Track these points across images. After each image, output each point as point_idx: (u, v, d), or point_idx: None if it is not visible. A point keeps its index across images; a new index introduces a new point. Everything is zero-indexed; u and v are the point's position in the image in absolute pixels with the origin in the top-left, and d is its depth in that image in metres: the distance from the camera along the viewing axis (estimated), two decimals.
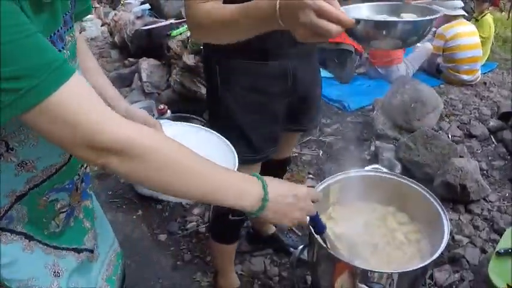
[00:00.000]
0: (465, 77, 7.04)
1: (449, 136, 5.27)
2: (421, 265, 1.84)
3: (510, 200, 4.31)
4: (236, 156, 1.73)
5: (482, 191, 4.10)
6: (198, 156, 1.23)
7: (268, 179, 1.34)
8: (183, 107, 4.60)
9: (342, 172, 2.28)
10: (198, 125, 1.93)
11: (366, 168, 2.39)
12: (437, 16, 1.42)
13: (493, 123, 5.57)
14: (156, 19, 6.59)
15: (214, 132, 1.89)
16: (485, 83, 7.30)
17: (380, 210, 2.39)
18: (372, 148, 4.57)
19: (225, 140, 1.83)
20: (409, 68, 7.11)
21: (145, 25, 6.33)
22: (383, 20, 1.42)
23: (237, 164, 1.68)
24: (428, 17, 1.40)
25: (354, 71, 6.95)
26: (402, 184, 2.31)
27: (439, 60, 7.23)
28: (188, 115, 4.28)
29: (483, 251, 3.57)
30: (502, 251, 2.70)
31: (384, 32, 1.36)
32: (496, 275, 2.57)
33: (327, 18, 1.20)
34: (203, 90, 4.41)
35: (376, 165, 2.50)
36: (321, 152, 4.61)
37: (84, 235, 1.49)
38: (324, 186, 2.19)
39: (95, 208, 1.67)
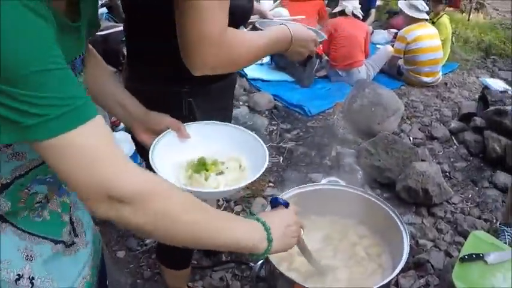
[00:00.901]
0: (426, 79, 7.13)
1: (411, 138, 5.33)
2: (380, 284, 1.85)
3: (473, 202, 4.37)
4: (266, 150, 1.76)
5: (445, 193, 4.14)
6: (210, 210, 1.26)
7: (265, 217, 1.45)
8: None
9: (297, 187, 2.28)
10: (222, 122, 1.91)
11: (322, 181, 2.39)
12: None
13: (454, 124, 5.64)
14: (116, 23, 6.39)
15: (241, 127, 1.91)
16: (446, 84, 7.40)
17: (340, 223, 2.39)
18: (333, 154, 4.57)
19: (255, 135, 1.85)
20: (370, 70, 7.16)
21: (102, 30, 6.23)
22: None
23: (267, 158, 1.72)
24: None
25: (314, 74, 6.96)
26: (360, 196, 2.32)
27: (400, 62, 7.30)
28: None
29: (448, 254, 3.60)
30: (466, 256, 2.71)
31: None
32: (460, 281, 2.58)
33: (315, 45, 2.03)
34: None
35: (333, 178, 2.50)
36: (282, 159, 4.59)
37: (62, 228, 1.45)
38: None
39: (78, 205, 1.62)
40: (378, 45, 8.42)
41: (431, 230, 3.86)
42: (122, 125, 4.29)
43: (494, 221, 4.06)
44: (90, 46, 1.62)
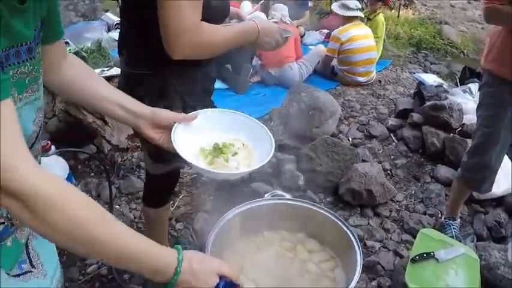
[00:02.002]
0: (361, 78, 7.23)
1: (350, 139, 5.38)
2: None
3: (417, 198, 4.43)
4: (273, 140, 1.90)
5: (389, 192, 4.19)
6: (110, 221, 1.22)
7: (187, 268, 1.32)
8: (72, 136, 4.43)
9: (240, 205, 2.23)
10: (232, 111, 2.06)
11: (266, 195, 2.36)
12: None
13: (392, 121, 5.75)
14: None
15: (249, 116, 2.05)
16: (380, 81, 7.52)
17: (289, 238, 2.35)
18: (274, 161, 4.55)
19: (262, 124, 2.00)
20: (303, 69, 7.21)
21: None
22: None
23: (273, 148, 1.86)
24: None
25: (248, 80, 6.95)
26: (304, 208, 2.29)
27: (334, 62, 7.36)
28: (75, 149, 4.13)
29: (397, 254, 3.63)
30: (417, 257, 2.73)
31: None
32: (413, 283, 2.60)
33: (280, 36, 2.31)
34: (89, 118, 4.27)
35: (276, 191, 2.47)
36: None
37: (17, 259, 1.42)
38: (224, 222, 2.13)
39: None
40: (310, 47, 8.47)
41: (378, 230, 3.89)
42: (53, 149, 4.17)
43: (440, 215, 4.13)
44: (72, 55, 1.73)
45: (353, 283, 1.80)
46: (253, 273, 2.09)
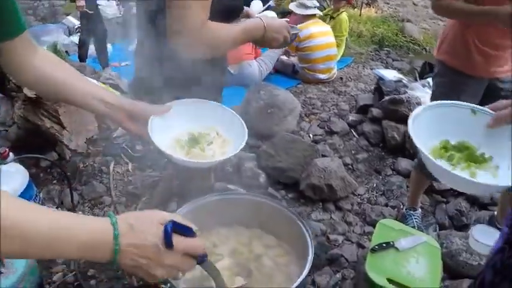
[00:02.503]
0: (322, 75, 7.28)
1: (311, 136, 5.41)
2: None
3: (378, 190, 4.48)
4: (245, 127, 2.03)
5: (350, 186, 4.22)
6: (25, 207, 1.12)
7: (125, 228, 1.20)
8: (34, 144, 4.38)
9: (191, 201, 2.23)
10: (205, 100, 2.14)
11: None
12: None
13: (353, 117, 5.80)
14: None
15: (222, 105, 2.19)
16: (342, 78, 7.58)
17: (245, 233, 2.35)
18: (234, 159, 4.55)
19: (234, 112, 2.13)
20: (262, 67, 7.24)
21: None
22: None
23: (246, 135, 1.99)
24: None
25: None
26: (260, 202, 2.30)
27: (295, 60, 7.39)
28: (34, 155, 4.09)
29: (360, 245, 3.67)
30: (377, 246, 2.75)
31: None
32: (373, 272, 2.62)
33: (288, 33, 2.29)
34: (47, 124, 4.22)
35: (231, 186, 2.49)
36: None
37: None
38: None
39: None
40: None
41: (341, 224, 3.92)
42: (11, 155, 4.12)
43: (402, 206, 4.18)
44: (51, 53, 1.80)
45: (302, 276, 1.82)
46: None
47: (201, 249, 1.32)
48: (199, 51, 2.07)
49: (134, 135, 1.90)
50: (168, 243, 1.21)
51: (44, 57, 1.70)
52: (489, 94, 3.21)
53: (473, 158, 1.76)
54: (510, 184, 1.58)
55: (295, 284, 1.78)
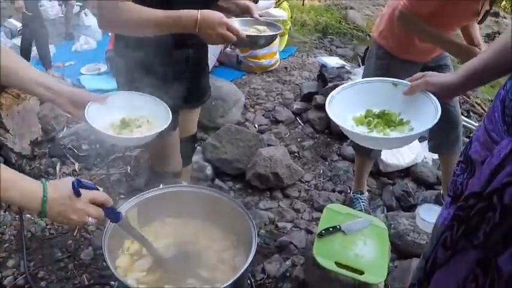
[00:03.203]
0: (265, 61, 7.25)
1: (256, 126, 5.43)
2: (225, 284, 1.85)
3: (325, 176, 4.52)
4: (170, 113, 2.25)
5: (296, 173, 4.25)
6: None
7: (50, 186, 1.59)
8: None
9: (136, 196, 2.27)
10: (139, 93, 2.36)
11: (161, 185, 2.39)
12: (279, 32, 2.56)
13: (297, 105, 5.85)
14: None
15: (154, 97, 2.34)
16: (286, 68, 7.59)
17: (192, 225, 2.37)
18: None
19: (164, 104, 2.32)
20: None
21: None
22: (261, 34, 2.47)
23: (170, 120, 2.22)
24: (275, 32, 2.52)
25: None
26: (205, 194, 2.32)
27: (237, 51, 7.37)
28: None
29: (308, 231, 3.70)
30: (323, 231, 2.77)
31: (259, 42, 2.46)
32: (321, 256, 2.63)
33: (231, 31, 2.14)
34: None
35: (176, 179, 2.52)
36: (129, 168, 4.49)
37: None
38: (122, 214, 2.13)
39: None
40: None
41: (289, 211, 3.94)
42: None
43: (349, 191, 4.23)
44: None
45: (243, 269, 1.83)
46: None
47: (103, 198, 1.73)
48: (115, 27, 2.35)
49: (76, 119, 2.20)
50: (76, 192, 1.62)
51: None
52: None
53: (391, 122, 2.03)
54: (406, 135, 1.93)
55: (236, 277, 1.81)
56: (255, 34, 2.49)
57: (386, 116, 2.06)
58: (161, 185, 2.40)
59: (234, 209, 2.23)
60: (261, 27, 2.60)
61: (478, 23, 3.22)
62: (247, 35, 2.26)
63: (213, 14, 2.13)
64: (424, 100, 1.96)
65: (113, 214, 1.84)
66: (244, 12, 2.60)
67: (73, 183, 1.62)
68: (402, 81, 2.06)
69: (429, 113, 1.89)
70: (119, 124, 2.25)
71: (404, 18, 3.05)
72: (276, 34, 2.54)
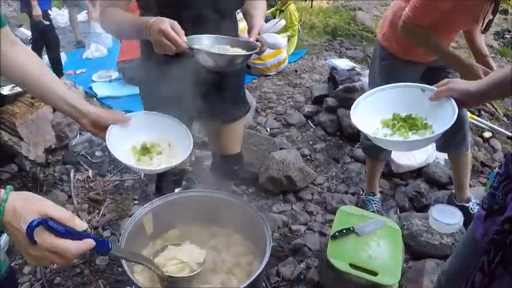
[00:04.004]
0: (270, 60, 7.37)
1: (268, 130, 5.47)
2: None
3: (338, 179, 4.54)
4: (191, 140, 2.19)
5: (309, 176, 4.27)
6: None
7: (10, 208, 1.25)
8: None
9: (150, 202, 2.28)
10: (161, 114, 2.29)
11: (177, 190, 2.41)
12: (250, 53, 2.27)
13: (308, 108, 5.87)
14: None
15: (176, 119, 2.27)
16: (296, 71, 7.62)
17: (207, 230, 2.38)
18: (193, 158, 4.57)
19: (184, 126, 2.26)
20: None
21: None
22: (205, 50, 2.18)
23: (191, 148, 2.15)
24: (241, 53, 2.27)
25: None
26: (220, 198, 2.33)
27: None
28: None
29: (322, 234, 3.71)
30: (337, 233, 2.79)
31: (210, 60, 2.18)
32: (335, 258, 2.66)
33: (168, 39, 2.05)
34: (5, 136, 4.20)
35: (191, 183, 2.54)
36: (142, 174, 4.52)
37: None
38: (136, 220, 2.16)
39: None
40: None
41: (302, 214, 3.97)
42: None
43: (361, 192, 4.25)
44: (29, 49, 1.97)
45: (257, 273, 1.85)
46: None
47: (71, 254, 1.28)
48: (105, 31, 2.59)
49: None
50: (31, 239, 1.22)
51: (23, 51, 1.88)
52: (429, 74, 3.34)
53: (414, 126, 2.07)
54: (423, 138, 1.99)
55: (250, 280, 1.82)
56: (208, 50, 2.21)
57: (411, 120, 2.10)
58: (176, 190, 2.42)
59: (248, 212, 2.24)
60: (239, 50, 2.35)
61: (482, 32, 3.25)
62: (198, 50, 2.13)
63: (159, 20, 2.07)
64: (446, 105, 2.01)
65: (99, 246, 1.42)
66: (249, 32, 2.46)
67: (29, 226, 1.22)
68: (429, 87, 2.09)
69: (447, 117, 1.94)
70: (140, 150, 2.18)
71: (407, 29, 3.06)
72: (234, 55, 2.27)
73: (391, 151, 3.76)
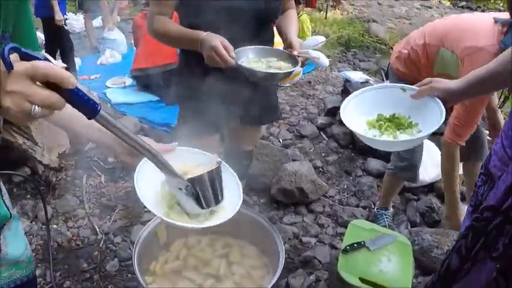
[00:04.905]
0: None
1: (280, 140, 5.48)
2: None
3: (349, 191, 4.54)
4: (241, 195, 1.77)
5: (320, 189, 4.28)
6: None
7: None
8: (5, 159, 4.36)
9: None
10: (204, 152, 1.87)
11: None
12: (292, 70, 2.43)
13: (321, 120, 5.89)
14: None
15: (225, 164, 1.84)
16: (310, 82, 7.64)
17: (220, 241, 2.39)
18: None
19: (234, 174, 1.84)
20: None
21: None
22: (257, 69, 2.36)
23: (240, 203, 1.74)
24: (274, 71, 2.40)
25: None
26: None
27: None
28: (7, 171, 4.09)
29: (332, 247, 3.72)
30: (348, 247, 2.79)
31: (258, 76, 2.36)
32: (345, 272, 2.66)
33: (218, 55, 2.23)
34: (20, 140, 4.22)
35: None
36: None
37: None
38: (149, 230, 2.17)
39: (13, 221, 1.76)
40: None
41: (313, 226, 3.97)
42: None
43: (373, 206, 4.26)
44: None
45: (272, 282, 1.86)
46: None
47: (55, 73, 1.05)
48: (152, 36, 2.59)
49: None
50: (6, 62, 1.00)
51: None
52: None
53: (400, 125, 2.16)
54: (415, 137, 2.09)
55: None
56: (254, 68, 2.37)
57: (396, 120, 2.19)
58: None
59: (262, 226, 2.25)
60: (283, 64, 2.50)
61: (499, 107, 3.35)
62: (243, 67, 2.33)
63: (210, 37, 2.29)
64: (431, 104, 2.09)
65: (84, 103, 1.13)
66: (288, 47, 2.59)
67: (4, 49, 0.99)
68: (410, 86, 2.20)
69: (435, 116, 2.03)
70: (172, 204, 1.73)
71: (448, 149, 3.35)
72: (280, 73, 2.41)
73: (417, 170, 3.77)
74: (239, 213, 2.26)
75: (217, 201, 1.68)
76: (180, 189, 1.60)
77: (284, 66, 2.48)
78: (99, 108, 1.15)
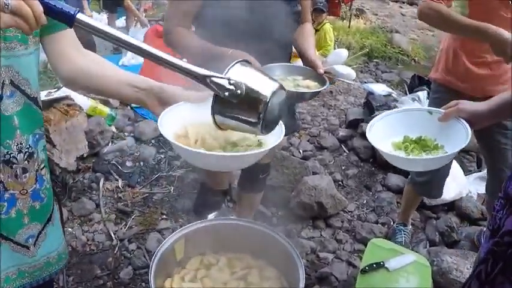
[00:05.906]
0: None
1: (301, 151, 5.42)
2: None
3: (368, 207, 4.48)
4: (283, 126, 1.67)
5: (340, 203, 4.23)
6: None
7: None
8: None
9: (185, 226, 2.24)
10: None
11: (210, 216, 2.37)
12: (317, 91, 2.42)
13: (343, 132, 5.84)
14: None
15: None
16: (331, 92, 7.58)
17: (239, 260, 2.34)
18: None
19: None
20: None
21: None
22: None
23: (283, 132, 1.66)
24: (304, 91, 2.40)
25: None
26: (256, 230, 2.29)
27: None
28: None
29: (350, 264, 3.67)
30: (367, 267, 2.75)
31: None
32: None
33: None
34: None
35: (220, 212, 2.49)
36: (172, 188, 4.52)
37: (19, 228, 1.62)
38: (167, 245, 2.13)
39: (54, 215, 1.88)
40: None
41: (331, 241, 3.92)
42: None
43: (392, 223, 4.18)
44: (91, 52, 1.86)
45: None
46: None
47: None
48: (170, 48, 2.51)
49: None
50: None
51: (86, 53, 1.80)
52: None
53: (426, 147, 2.15)
54: (440, 156, 2.07)
55: None
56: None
57: (422, 142, 2.18)
58: (208, 216, 2.38)
59: (283, 248, 2.20)
60: (310, 83, 2.49)
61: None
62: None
63: (236, 55, 2.16)
64: (457, 126, 2.07)
65: (58, 13, 1.13)
66: (308, 64, 2.57)
67: None
68: (437, 109, 2.19)
69: (460, 137, 2.01)
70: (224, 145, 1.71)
71: (426, 11, 3.10)
72: (306, 92, 2.42)
73: (442, 187, 3.70)
74: (262, 233, 2.22)
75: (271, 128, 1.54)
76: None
77: (312, 85, 2.46)
78: (75, 13, 1.13)
